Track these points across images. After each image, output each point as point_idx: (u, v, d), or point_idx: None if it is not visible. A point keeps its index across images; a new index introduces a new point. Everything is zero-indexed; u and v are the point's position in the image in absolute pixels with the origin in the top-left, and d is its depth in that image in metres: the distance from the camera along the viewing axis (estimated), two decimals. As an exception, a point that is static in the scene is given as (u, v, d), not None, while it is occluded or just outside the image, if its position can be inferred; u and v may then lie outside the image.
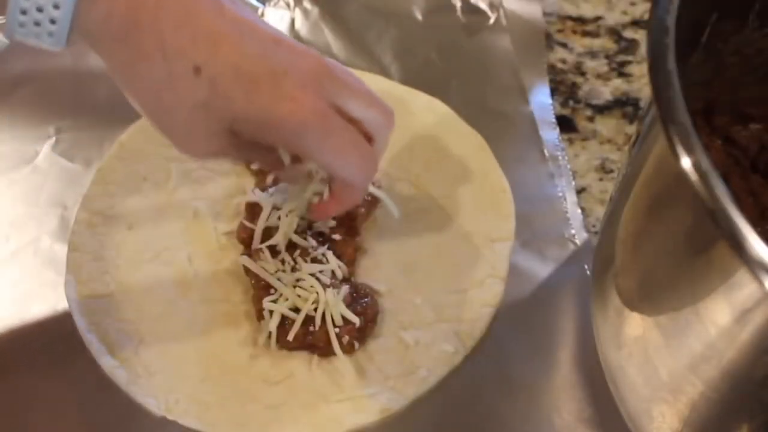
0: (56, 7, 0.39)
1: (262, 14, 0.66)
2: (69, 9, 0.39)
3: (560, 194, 0.59)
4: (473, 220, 0.57)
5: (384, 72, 0.65)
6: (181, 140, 0.44)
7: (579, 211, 0.58)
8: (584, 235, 0.57)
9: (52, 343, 0.53)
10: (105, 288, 0.54)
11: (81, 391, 0.51)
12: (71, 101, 0.64)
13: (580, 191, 0.60)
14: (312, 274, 0.52)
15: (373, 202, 0.57)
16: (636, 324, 0.42)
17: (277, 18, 0.67)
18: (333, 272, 0.52)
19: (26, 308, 0.54)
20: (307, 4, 0.67)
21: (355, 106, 0.45)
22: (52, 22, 0.39)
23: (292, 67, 0.43)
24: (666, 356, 0.39)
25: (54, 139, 0.62)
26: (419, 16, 0.68)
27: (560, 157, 0.60)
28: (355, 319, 0.51)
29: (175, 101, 0.42)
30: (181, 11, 0.40)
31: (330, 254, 0.53)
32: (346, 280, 0.53)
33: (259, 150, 0.47)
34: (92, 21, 0.40)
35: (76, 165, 0.60)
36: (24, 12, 0.39)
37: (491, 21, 0.67)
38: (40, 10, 0.39)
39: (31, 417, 0.50)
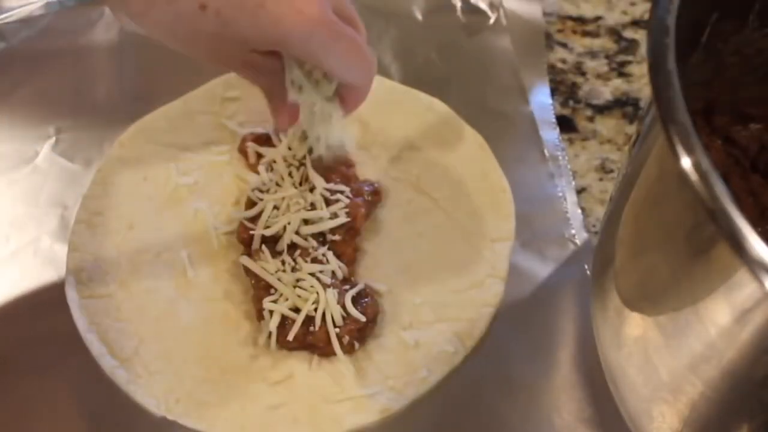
0: None
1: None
2: None
3: (560, 194, 0.59)
4: (473, 220, 0.57)
5: (384, 72, 0.65)
6: (206, 61, 0.48)
7: (579, 211, 0.58)
8: (584, 235, 0.57)
9: (52, 343, 0.53)
10: (105, 288, 0.54)
11: (81, 391, 0.51)
12: (71, 101, 0.64)
13: (580, 191, 0.60)
14: (312, 274, 0.52)
15: (373, 202, 0.57)
16: (636, 324, 0.42)
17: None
18: (333, 272, 0.52)
19: (26, 308, 0.54)
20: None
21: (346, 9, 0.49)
22: None
23: None
24: (666, 356, 0.39)
25: (54, 139, 0.62)
26: (419, 16, 0.68)
27: (560, 157, 0.60)
28: (362, 318, 0.51)
29: (188, 34, 0.45)
30: None
31: (330, 254, 0.53)
32: (346, 280, 0.53)
33: (272, 69, 0.49)
34: None
35: (76, 165, 0.60)
36: None
37: (491, 21, 0.67)
38: None
39: (31, 417, 0.50)
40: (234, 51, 0.47)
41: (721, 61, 0.46)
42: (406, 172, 0.59)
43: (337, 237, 0.54)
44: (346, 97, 0.52)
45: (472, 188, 0.58)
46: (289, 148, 0.57)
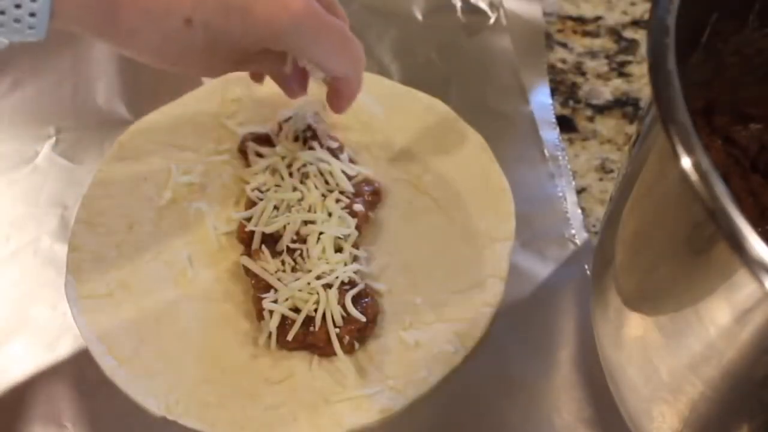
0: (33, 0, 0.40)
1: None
2: (46, 1, 0.40)
3: (560, 194, 0.59)
4: (473, 220, 0.57)
5: (384, 72, 0.65)
6: (200, 74, 0.49)
7: (579, 211, 0.58)
8: (584, 235, 0.57)
9: (51, 343, 0.53)
10: (105, 288, 0.54)
11: (81, 391, 0.51)
12: (71, 101, 0.64)
13: (580, 191, 0.60)
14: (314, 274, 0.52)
15: (373, 201, 0.57)
16: (636, 324, 0.42)
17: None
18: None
19: (26, 308, 0.54)
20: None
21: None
22: (32, 15, 0.40)
23: None
24: (666, 356, 0.39)
25: (54, 139, 0.62)
26: (419, 17, 0.68)
27: (560, 157, 0.60)
28: (362, 318, 0.51)
29: (177, 52, 0.45)
30: None
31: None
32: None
33: (266, 59, 0.50)
34: (70, 9, 0.41)
35: (76, 165, 0.60)
36: (2, 12, 0.40)
37: (491, 21, 0.67)
38: (18, 6, 0.39)
39: (30, 417, 0.50)
40: (224, 58, 0.47)
41: (721, 61, 0.46)
42: (406, 172, 0.59)
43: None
44: (340, 92, 0.53)
45: (472, 188, 0.58)
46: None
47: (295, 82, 0.54)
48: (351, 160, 0.58)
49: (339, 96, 0.53)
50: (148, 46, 0.44)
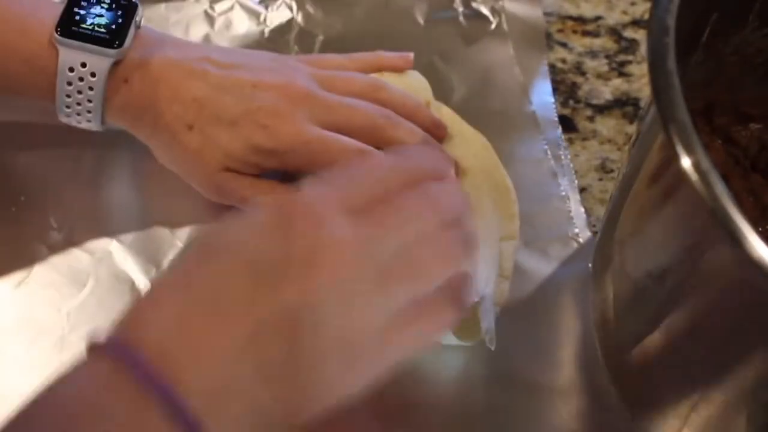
0: (90, 89, 0.49)
1: (264, 19, 0.66)
2: (100, 94, 0.49)
3: (563, 193, 0.59)
4: (477, 220, 0.56)
5: (385, 74, 0.65)
6: (193, 181, 0.52)
7: (582, 209, 0.58)
8: (587, 233, 0.57)
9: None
10: None
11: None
12: None
13: (580, 191, 0.60)
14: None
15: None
16: (636, 323, 0.42)
17: (280, 20, 0.66)
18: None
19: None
20: (309, 8, 0.67)
21: (343, 117, 0.50)
22: (89, 101, 0.50)
23: (265, 101, 0.49)
24: (666, 356, 0.39)
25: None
26: (421, 21, 0.68)
27: (563, 156, 0.60)
28: None
29: (179, 151, 0.51)
30: (171, 91, 0.50)
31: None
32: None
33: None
34: (116, 107, 0.50)
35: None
36: (68, 95, 0.49)
37: (493, 26, 0.67)
38: (80, 92, 0.49)
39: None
40: (214, 166, 0.50)
41: (721, 61, 0.46)
42: None
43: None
44: None
45: (476, 188, 0.58)
46: None
47: None
48: None
49: None
50: (161, 141, 0.52)
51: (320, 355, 0.35)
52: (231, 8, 0.65)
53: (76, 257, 0.53)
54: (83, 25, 0.49)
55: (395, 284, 0.37)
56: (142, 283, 0.53)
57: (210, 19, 0.64)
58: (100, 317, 0.51)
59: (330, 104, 0.50)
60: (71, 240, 0.54)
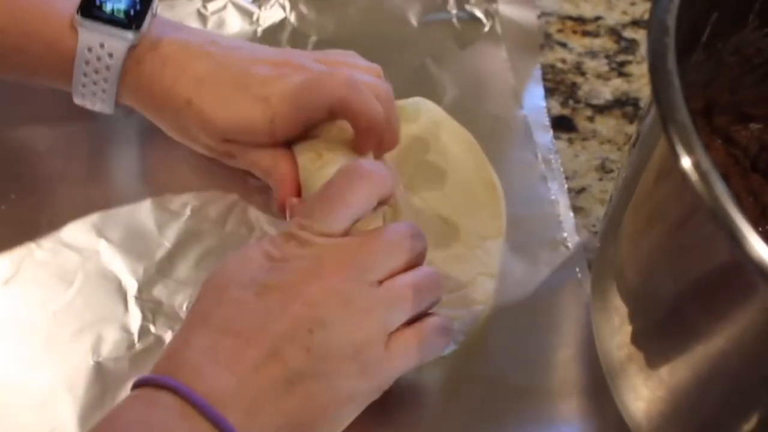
0: (107, 68, 0.51)
1: (257, 18, 0.66)
2: (116, 75, 0.52)
3: (553, 197, 0.59)
4: (464, 218, 0.56)
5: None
6: (203, 151, 0.55)
7: (571, 214, 0.58)
8: (576, 238, 0.57)
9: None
10: None
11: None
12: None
13: (580, 191, 0.60)
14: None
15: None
16: (636, 323, 0.42)
17: (273, 20, 0.66)
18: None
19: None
20: (302, 8, 0.67)
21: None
22: (105, 81, 0.52)
23: (262, 72, 0.52)
24: (666, 356, 0.39)
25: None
26: (414, 22, 0.68)
27: (553, 161, 0.60)
28: None
29: (176, 124, 0.54)
30: (177, 68, 0.52)
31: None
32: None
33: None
34: (128, 88, 0.53)
35: None
36: (85, 74, 0.52)
37: (486, 29, 0.67)
38: (96, 72, 0.51)
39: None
40: (204, 140, 0.53)
41: (721, 61, 0.46)
42: (398, 171, 0.59)
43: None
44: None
45: (461, 185, 0.58)
46: None
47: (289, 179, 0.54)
48: None
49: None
50: (164, 117, 0.55)
51: (335, 355, 0.41)
52: (224, 7, 0.65)
53: (64, 256, 0.54)
54: (104, 9, 0.51)
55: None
56: (129, 282, 0.53)
57: (203, 18, 0.64)
58: (87, 316, 0.52)
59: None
60: (59, 239, 0.54)
